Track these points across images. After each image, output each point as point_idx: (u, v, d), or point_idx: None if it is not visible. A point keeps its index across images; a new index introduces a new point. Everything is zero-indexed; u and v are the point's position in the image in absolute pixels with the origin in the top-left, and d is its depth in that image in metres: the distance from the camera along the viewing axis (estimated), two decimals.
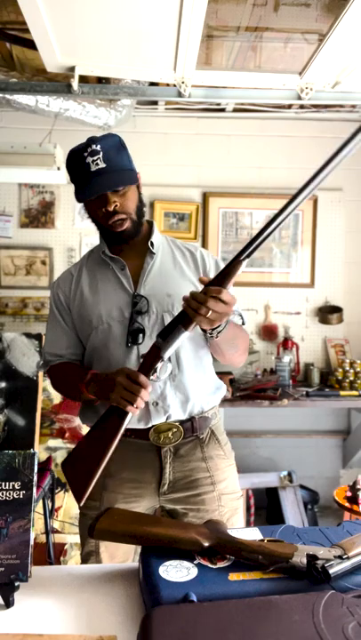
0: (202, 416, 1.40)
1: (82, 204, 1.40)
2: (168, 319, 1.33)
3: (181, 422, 1.37)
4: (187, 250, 1.48)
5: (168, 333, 1.18)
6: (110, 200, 1.31)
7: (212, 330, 1.20)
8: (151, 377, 1.21)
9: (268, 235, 1.11)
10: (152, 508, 1.40)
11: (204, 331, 1.22)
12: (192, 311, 1.12)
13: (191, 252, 1.47)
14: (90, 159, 1.29)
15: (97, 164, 1.29)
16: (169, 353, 1.20)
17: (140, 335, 1.33)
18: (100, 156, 1.29)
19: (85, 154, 1.30)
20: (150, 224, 1.47)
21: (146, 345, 1.32)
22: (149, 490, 1.37)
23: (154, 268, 1.40)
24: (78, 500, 1.21)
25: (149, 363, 1.20)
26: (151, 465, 1.37)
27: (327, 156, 1.02)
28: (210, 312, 1.10)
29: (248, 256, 1.12)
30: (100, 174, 1.29)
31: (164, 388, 1.34)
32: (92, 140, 1.32)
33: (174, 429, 1.35)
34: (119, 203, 1.32)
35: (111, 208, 1.31)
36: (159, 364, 1.20)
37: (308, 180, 1.04)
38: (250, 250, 1.11)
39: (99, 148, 1.30)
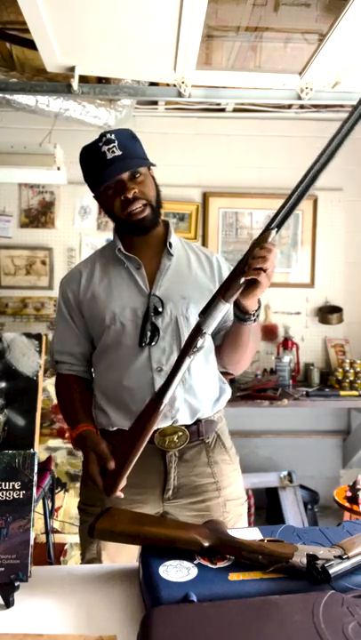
0: (208, 420, 1.38)
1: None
2: (182, 322, 1.32)
3: (187, 426, 1.35)
4: (203, 254, 1.45)
5: (207, 308, 1.14)
6: (129, 187, 1.29)
7: (251, 313, 1.20)
8: (193, 350, 1.16)
9: (295, 203, 1.07)
10: (156, 514, 1.37)
11: (242, 314, 1.20)
12: (254, 269, 1.07)
13: (207, 257, 1.44)
14: (105, 147, 1.28)
15: (113, 152, 1.28)
16: (209, 326, 1.13)
17: (154, 336, 1.31)
18: (116, 144, 1.29)
19: (100, 144, 1.30)
20: (166, 224, 1.45)
21: (159, 346, 1.31)
22: (153, 495, 1.35)
23: (170, 270, 1.38)
24: (110, 492, 1.16)
25: (192, 338, 1.15)
26: (156, 469, 1.35)
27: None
28: (264, 264, 1.07)
29: (278, 227, 1.09)
30: (116, 161, 1.28)
31: (173, 391, 1.32)
32: (105, 132, 1.32)
33: (180, 433, 1.33)
34: (138, 189, 1.30)
35: (130, 195, 1.29)
36: (200, 340, 1.15)
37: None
38: (277, 220, 1.08)
39: (113, 137, 1.30)
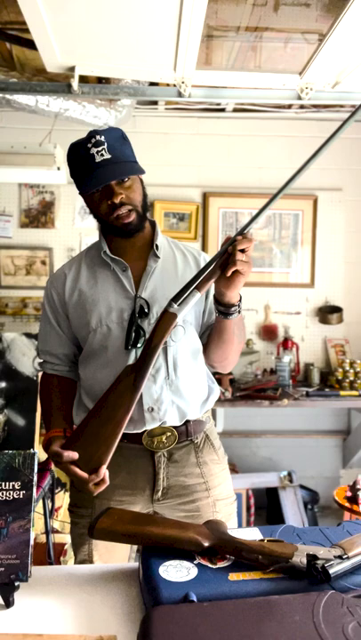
0: (196, 420, 1.38)
1: (82, 201, 1.38)
2: None
3: (176, 426, 1.34)
4: (189, 253, 1.44)
5: (183, 297, 1.17)
6: (116, 192, 1.28)
7: (234, 305, 1.23)
8: (168, 340, 1.20)
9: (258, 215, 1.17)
10: None
11: (225, 308, 1.23)
12: (232, 257, 1.14)
13: (194, 257, 1.44)
14: (94, 150, 1.26)
15: (102, 155, 1.26)
16: (182, 317, 1.19)
17: (140, 338, 1.30)
18: (105, 146, 1.26)
19: (89, 145, 1.27)
20: (153, 224, 1.43)
21: None
22: (143, 497, 1.34)
23: (156, 271, 1.37)
24: (100, 464, 1.15)
25: (166, 329, 1.17)
26: (145, 470, 1.34)
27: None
28: (245, 255, 1.14)
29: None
30: (105, 165, 1.26)
31: (160, 393, 1.31)
32: (94, 132, 1.29)
33: (168, 433, 1.33)
34: (125, 195, 1.29)
35: (117, 200, 1.28)
36: (174, 329, 1.19)
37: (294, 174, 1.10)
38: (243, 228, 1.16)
39: (103, 139, 1.27)
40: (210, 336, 1.40)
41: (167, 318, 1.17)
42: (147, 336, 1.29)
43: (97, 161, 1.26)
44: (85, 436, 1.19)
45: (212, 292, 1.26)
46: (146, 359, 1.18)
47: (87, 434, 1.19)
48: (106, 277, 1.37)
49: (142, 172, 1.33)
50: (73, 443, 1.20)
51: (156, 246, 1.37)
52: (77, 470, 1.16)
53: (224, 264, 1.16)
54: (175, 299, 1.17)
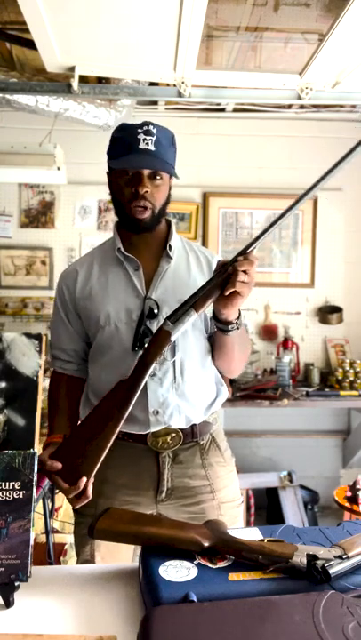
0: (202, 421, 1.37)
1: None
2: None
3: (181, 428, 1.34)
4: (203, 255, 1.43)
5: (178, 316, 1.15)
6: (144, 183, 1.28)
7: (232, 323, 1.20)
8: (160, 359, 1.19)
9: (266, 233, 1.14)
10: None
11: (223, 325, 1.21)
12: (233, 278, 1.11)
13: (207, 259, 1.42)
14: (142, 136, 1.27)
15: (147, 144, 1.27)
16: (177, 336, 1.17)
17: (148, 340, 1.28)
18: (153, 139, 1.28)
19: (140, 130, 1.28)
20: (168, 224, 1.42)
21: None
22: (147, 497, 1.34)
23: (168, 272, 1.36)
24: (81, 476, 1.14)
25: (159, 346, 1.16)
26: (149, 471, 1.34)
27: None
28: (247, 277, 1.11)
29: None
30: (145, 153, 1.27)
31: (166, 397, 1.30)
32: (150, 123, 1.30)
33: (173, 434, 1.32)
34: (150, 190, 1.29)
35: (142, 191, 1.28)
36: (168, 348, 1.19)
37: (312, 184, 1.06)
38: (250, 248, 1.13)
39: (155, 131, 1.29)
40: (213, 345, 1.39)
41: (161, 336, 1.16)
42: None
43: (140, 146, 1.27)
44: (72, 448, 1.20)
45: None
46: (138, 377, 1.17)
47: (74, 445, 1.20)
48: (117, 275, 1.37)
49: (176, 175, 1.34)
50: (60, 452, 1.20)
51: (170, 247, 1.37)
52: (59, 480, 1.17)
53: (223, 283, 1.13)
54: (170, 317, 1.16)
